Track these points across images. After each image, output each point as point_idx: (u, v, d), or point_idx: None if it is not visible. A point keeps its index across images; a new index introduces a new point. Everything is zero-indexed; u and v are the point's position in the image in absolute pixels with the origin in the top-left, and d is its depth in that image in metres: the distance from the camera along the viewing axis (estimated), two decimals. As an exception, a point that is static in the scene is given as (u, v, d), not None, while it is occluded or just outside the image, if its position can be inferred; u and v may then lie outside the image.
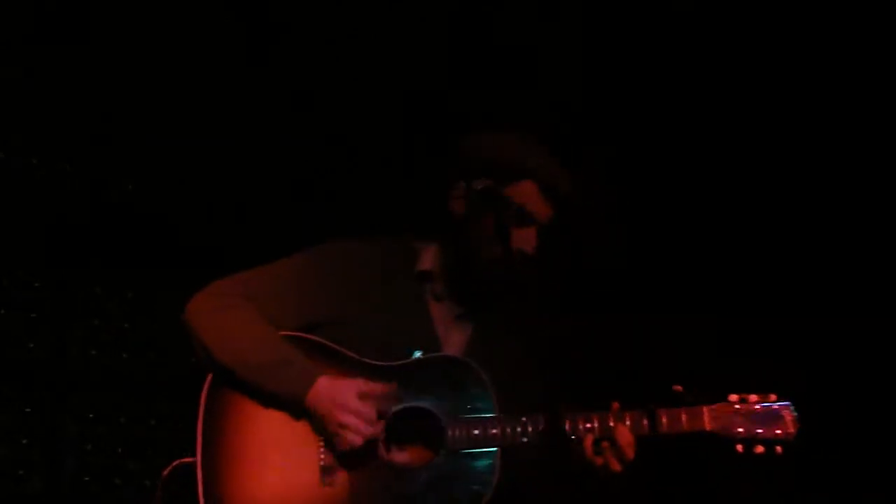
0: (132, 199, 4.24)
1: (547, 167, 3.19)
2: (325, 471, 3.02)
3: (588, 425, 3.01)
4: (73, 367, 4.18)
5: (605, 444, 3.00)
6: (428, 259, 3.31)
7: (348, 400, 2.99)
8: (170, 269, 4.10)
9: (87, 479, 4.10)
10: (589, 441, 3.01)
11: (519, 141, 3.24)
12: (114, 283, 4.22)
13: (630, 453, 2.99)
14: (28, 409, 4.07)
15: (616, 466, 2.99)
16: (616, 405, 3.05)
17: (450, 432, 3.03)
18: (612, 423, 3.01)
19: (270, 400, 3.07)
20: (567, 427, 3.02)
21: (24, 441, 4.04)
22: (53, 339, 4.14)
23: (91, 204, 4.17)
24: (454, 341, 3.28)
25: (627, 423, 3.01)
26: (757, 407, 3.08)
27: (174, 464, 3.21)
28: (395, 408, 3.06)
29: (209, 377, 3.12)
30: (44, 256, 4.11)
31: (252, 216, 4.11)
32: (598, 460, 3.01)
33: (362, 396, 3.00)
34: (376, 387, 3.04)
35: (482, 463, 3.01)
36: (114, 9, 4.03)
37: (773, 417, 3.07)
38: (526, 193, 3.18)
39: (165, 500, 3.18)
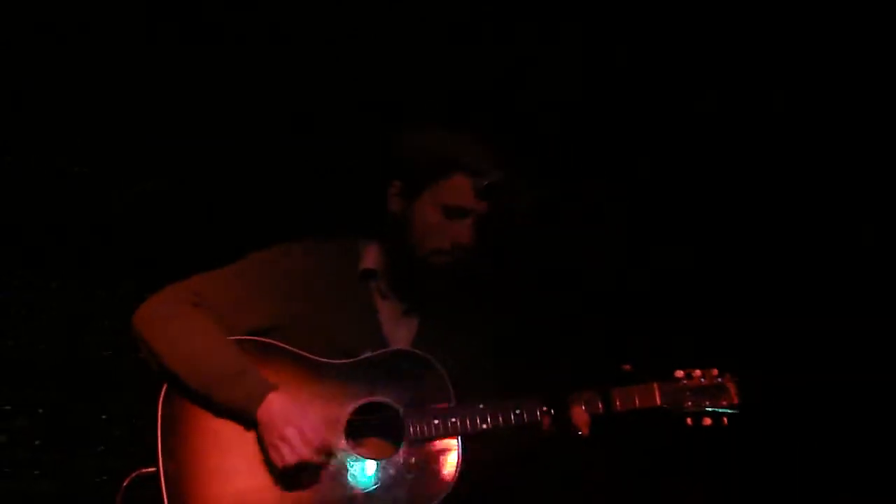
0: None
1: (478, 159, 3.23)
2: (287, 471, 3.04)
3: (545, 408, 3.10)
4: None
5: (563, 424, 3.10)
6: (370, 258, 3.36)
7: (297, 417, 3.03)
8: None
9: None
10: (546, 423, 3.09)
11: (449, 136, 3.28)
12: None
13: (586, 431, 3.09)
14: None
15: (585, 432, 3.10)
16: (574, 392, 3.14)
17: (409, 424, 3.09)
18: (568, 405, 3.10)
19: (219, 410, 3.08)
20: (524, 412, 3.10)
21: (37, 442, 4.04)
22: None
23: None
24: (401, 337, 3.34)
25: (582, 404, 3.11)
26: (702, 381, 3.22)
27: (133, 475, 3.20)
28: (354, 404, 3.11)
29: (164, 385, 3.12)
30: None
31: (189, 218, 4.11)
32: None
33: (311, 421, 3.04)
34: (334, 392, 3.10)
35: (444, 452, 3.08)
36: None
37: (717, 390, 3.22)
38: (459, 187, 3.23)
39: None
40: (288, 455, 3.00)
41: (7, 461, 3.98)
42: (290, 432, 3.00)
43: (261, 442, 3.05)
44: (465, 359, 3.29)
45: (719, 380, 3.22)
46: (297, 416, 3.03)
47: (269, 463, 3.04)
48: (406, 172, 3.28)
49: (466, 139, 3.28)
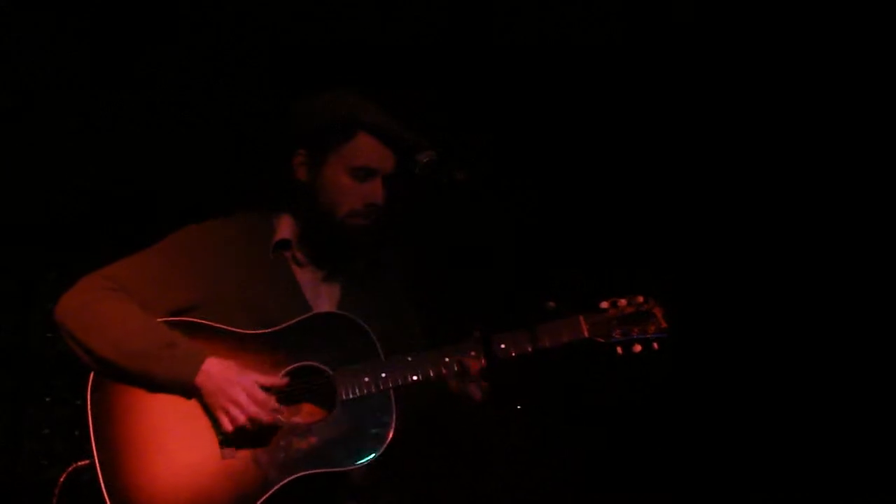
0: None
1: (378, 117, 3.23)
2: (224, 444, 3.02)
3: (472, 354, 3.12)
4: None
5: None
6: (284, 228, 3.34)
7: (239, 377, 3.02)
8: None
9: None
10: (475, 368, 3.10)
11: (348, 97, 3.28)
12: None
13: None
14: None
15: (476, 394, 3.13)
16: (476, 332, 3.13)
17: (340, 384, 3.08)
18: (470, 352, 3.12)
19: (159, 386, 3.05)
20: (452, 361, 3.10)
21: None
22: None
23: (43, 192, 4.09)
24: (324, 304, 3.32)
25: (502, 345, 3.12)
26: (628, 309, 3.22)
27: (69, 469, 3.17)
28: (283, 371, 3.10)
29: (90, 377, 3.09)
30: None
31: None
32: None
33: (256, 379, 3.03)
34: (263, 359, 3.09)
35: (378, 406, 3.07)
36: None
37: (644, 316, 3.22)
38: (364, 147, 3.23)
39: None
40: (238, 415, 2.98)
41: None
42: (236, 393, 2.99)
43: (207, 411, 3.03)
44: (392, 315, 3.31)
45: (645, 306, 3.23)
46: (239, 376, 3.02)
47: (213, 431, 3.02)
48: (309, 139, 3.27)
49: (364, 99, 3.27)
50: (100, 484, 2.97)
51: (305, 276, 3.34)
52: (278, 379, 3.09)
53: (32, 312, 4.09)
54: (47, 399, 4.04)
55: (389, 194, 3.26)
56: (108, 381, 3.08)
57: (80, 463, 3.11)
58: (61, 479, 3.16)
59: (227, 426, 3.00)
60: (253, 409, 2.99)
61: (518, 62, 4.26)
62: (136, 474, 3.00)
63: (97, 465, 2.99)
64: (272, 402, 3.04)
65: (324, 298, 3.33)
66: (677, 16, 4.19)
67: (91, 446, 3.01)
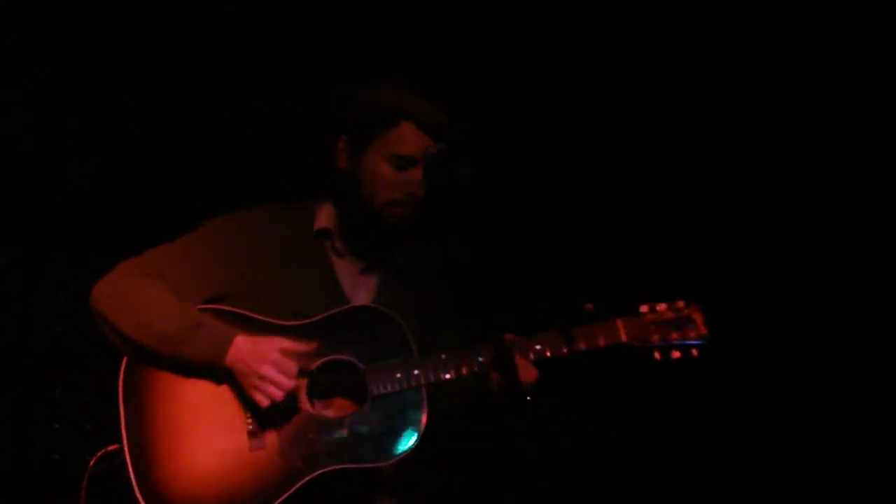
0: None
1: (420, 105, 3.20)
2: (253, 435, 3.01)
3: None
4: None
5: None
6: (324, 217, 3.32)
7: (268, 352, 2.99)
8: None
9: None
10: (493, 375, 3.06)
11: (392, 86, 3.25)
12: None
13: (523, 377, 3.01)
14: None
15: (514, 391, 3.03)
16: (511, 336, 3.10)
17: (372, 379, 3.05)
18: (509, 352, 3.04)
19: (190, 369, 3.04)
20: (485, 359, 3.06)
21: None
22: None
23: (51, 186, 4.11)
24: (361, 295, 3.29)
25: (538, 346, 3.07)
26: (668, 314, 3.15)
27: (99, 453, 3.16)
28: (316, 363, 3.07)
29: (123, 361, 3.08)
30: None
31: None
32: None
33: (282, 352, 3.01)
34: (295, 345, 3.04)
35: (409, 404, 3.03)
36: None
37: (684, 322, 3.15)
38: (407, 135, 3.19)
39: (93, 490, 3.13)
40: (272, 391, 2.97)
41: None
42: (267, 369, 2.97)
43: (238, 395, 3.02)
44: (431, 311, 3.26)
45: (685, 311, 3.16)
46: (268, 350, 3.00)
47: (243, 421, 3.00)
48: (351, 126, 3.24)
49: (409, 89, 3.25)
50: (128, 469, 2.97)
51: (344, 267, 3.31)
52: (307, 345, 3.05)
53: (38, 308, 4.10)
54: (56, 394, 4.06)
55: (429, 184, 3.22)
56: (140, 367, 3.07)
57: (109, 448, 3.10)
58: (91, 463, 3.15)
59: (262, 402, 2.97)
60: (286, 382, 2.98)
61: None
62: (164, 461, 2.99)
63: (126, 450, 2.99)
64: (302, 384, 3.02)
65: (362, 290, 3.30)
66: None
67: (121, 431, 3.00)
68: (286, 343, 3.03)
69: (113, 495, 3.06)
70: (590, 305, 3.11)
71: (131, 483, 2.95)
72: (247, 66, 4.11)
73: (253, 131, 4.13)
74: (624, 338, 3.12)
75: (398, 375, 3.05)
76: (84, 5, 3.99)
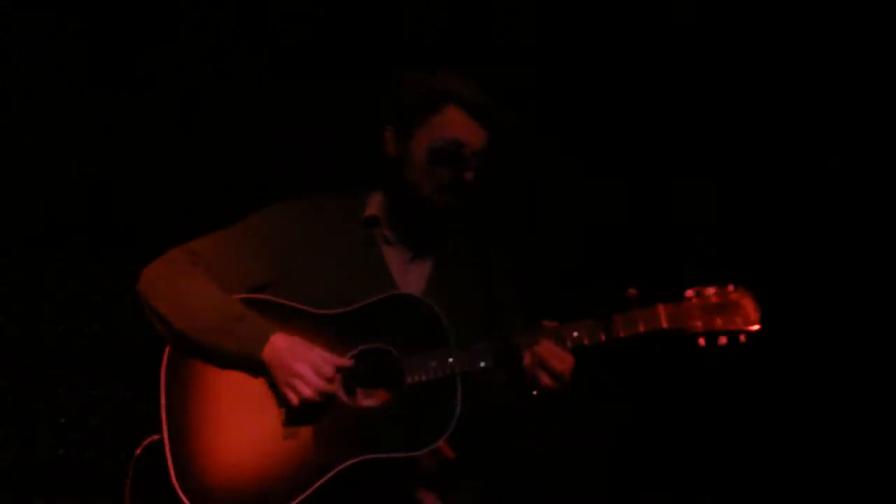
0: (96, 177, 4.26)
1: (467, 89, 3.16)
2: (287, 424, 3.00)
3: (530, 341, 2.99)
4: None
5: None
6: (374, 205, 3.31)
7: (305, 352, 2.98)
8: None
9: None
10: (527, 359, 2.98)
11: (436, 73, 3.21)
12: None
13: (557, 366, 2.94)
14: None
15: (547, 381, 2.96)
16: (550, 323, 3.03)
17: (407, 367, 3.01)
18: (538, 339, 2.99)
19: (228, 361, 3.05)
20: (520, 347, 2.99)
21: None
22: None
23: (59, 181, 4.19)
24: (412, 283, 3.26)
25: (575, 333, 2.99)
26: (714, 299, 3.02)
27: (145, 443, 3.19)
28: (351, 353, 3.05)
29: (166, 350, 3.11)
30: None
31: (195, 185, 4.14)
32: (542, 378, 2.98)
33: (320, 353, 2.99)
34: (331, 336, 3.04)
35: (443, 392, 2.97)
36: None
37: (732, 307, 3.01)
38: (452, 119, 3.16)
39: (138, 480, 3.16)
40: (304, 389, 2.95)
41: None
42: (301, 367, 2.95)
43: (273, 388, 3.01)
44: (487, 299, 3.19)
45: (734, 296, 3.02)
46: (305, 349, 2.99)
47: (278, 410, 3.00)
48: (397, 114, 3.22)
49: (454, 74, 3.20)
50: (167, 459, 2.99)
51: (394, 255, 3.29)
52: (344, 359, 3.04)
53: (43, 303, 4.16)
54: (60, 390, 4.12)
55: (480, 170, 3.17)
56: (182, 356, 3.09)
57: (154, 438, 3.13)
58: (137, 453, 3.17)
59: (293, 399, 2.96)
60: (317, 383, 2.95)
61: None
62: (202, 452, 3.01)
63: (167, 440, 3.01)
64: (338, 378, 3.00)
65: (412, 278, 3.27)
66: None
67: (162, 421, 3.03)
68: (319, 340, 3.02)
69: (150, 485, 3.08)
70: (633, 291, 3.01)
71: (169, 473, 2.97)
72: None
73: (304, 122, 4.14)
74: (665, 324, 2.99)
75: (433, 364, 3.00)
76: (84, 5, 4.04)
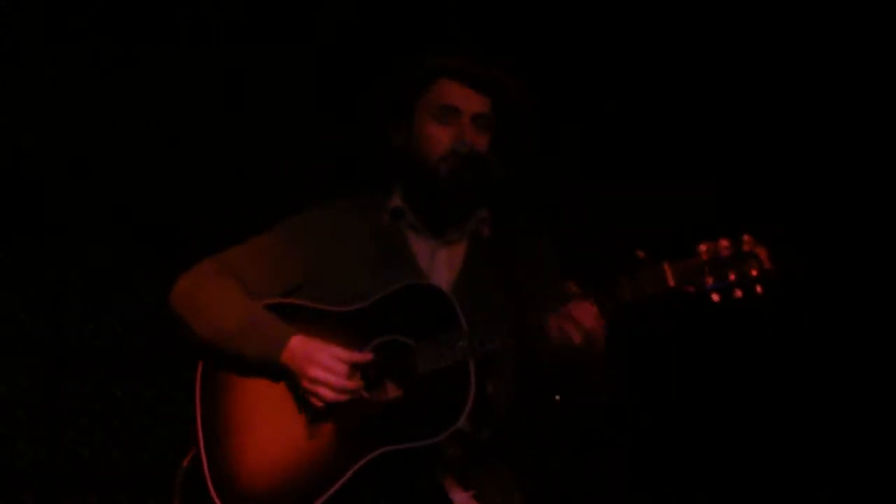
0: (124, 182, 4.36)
1: (457, 61, 3.19)
2: (310, 423, 3.03)
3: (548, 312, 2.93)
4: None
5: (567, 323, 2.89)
6: (397, 198, 3.33)
7: (319, 355, 3.00)
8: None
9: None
10: (553, 328, 2.90)
11: (422, 55, 3.24)
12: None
13: (587, 321, 2.86)
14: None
15: (577, 338, 2.86)
16: (572, 286, 2.95)
17: (420, 355, 3.01)
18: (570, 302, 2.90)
19: (251, 367, 3.09)
20: (533, 319, 2.94)
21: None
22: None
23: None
24: (440, 270, 3.27)
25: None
26: (725, 252, 2.85)
27: (191, 453, 3.25)
28: (369, 347, 3.07)
29: (200, 364, 3.17)
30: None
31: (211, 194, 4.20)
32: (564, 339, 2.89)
33: (336, 354, 3.01)
34: (347, 335, 3.06)
35: (457, 378, 2.96)
36: None
37: (744, 258, 2.85)
38: (444, 88, 3.20)
39: (186, 491, 3.23)
40: (324, 392, 2.98)
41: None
42: (315, 371, 2.98)
43: (294, 389, 3.05)
44: (522, 283, 3.10)
45: (747, 246, 2.84)
46: (319, 350, 3.01)
47: (302, 412, 3.04)
48: (394, 105, 3.27)
49: (441, 50, 3.24)
50: (203, 469, 3.06)
51: (421, 243, 3.30)
52: (361, 354, 3.05)
53: (69, 306, 4.23)
54: (85, 391, 4.19)
55: (484, 140, 3.17)
56: (214, 366, 3.15)
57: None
58: (185, 463, 3.25)
59: (313, 401, 3.00)
60: (334, 382, 2.97)
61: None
62: (236, 459, 3.07)
63: (202, 451, 3.08)
64: (355, 376, 3.02)
65: (441, 267, 3.27)
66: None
67: (198, 430, 3.10)
68: (338, 339, 3.04)
69: (187, 494, 3.15)
70: (641, 253, 2.92)
71: (206, 483, 3.04)
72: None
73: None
74: (672, 282, 2.85)
75: (444, 350, 2.99)
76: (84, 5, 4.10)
